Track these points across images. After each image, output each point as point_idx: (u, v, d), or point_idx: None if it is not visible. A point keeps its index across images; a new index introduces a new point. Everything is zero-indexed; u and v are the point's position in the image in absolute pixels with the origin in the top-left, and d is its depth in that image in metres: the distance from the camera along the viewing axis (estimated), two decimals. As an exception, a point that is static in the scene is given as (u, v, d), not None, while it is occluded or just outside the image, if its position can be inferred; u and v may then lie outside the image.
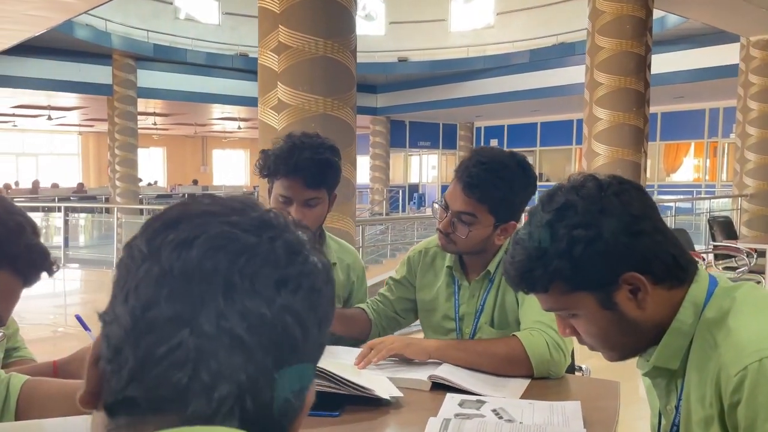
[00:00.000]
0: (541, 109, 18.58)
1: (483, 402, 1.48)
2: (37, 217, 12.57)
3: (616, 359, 1.12)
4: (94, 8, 8.14)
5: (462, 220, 1.74)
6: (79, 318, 1.68)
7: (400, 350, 1.69)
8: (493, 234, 1.76)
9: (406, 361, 1.71)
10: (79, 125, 22.94)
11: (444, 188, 16.99)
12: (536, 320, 1.68)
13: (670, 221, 10.60)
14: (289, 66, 4.46)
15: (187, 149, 27.59)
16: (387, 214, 19.71)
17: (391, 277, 2.06)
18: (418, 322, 2.07)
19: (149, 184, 22.80)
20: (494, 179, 1.69)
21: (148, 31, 15.06)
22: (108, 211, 12.06)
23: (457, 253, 1.86)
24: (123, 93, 14.62)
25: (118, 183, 14.68)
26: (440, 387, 1.56)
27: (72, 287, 9.59)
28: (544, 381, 1.64)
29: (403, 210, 22.06)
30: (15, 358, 1.79)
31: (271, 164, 1.87)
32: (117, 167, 14.68)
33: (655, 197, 16.56)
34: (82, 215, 12.77)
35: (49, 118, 19.17)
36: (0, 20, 7.62)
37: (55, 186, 20.04)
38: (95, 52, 14.27)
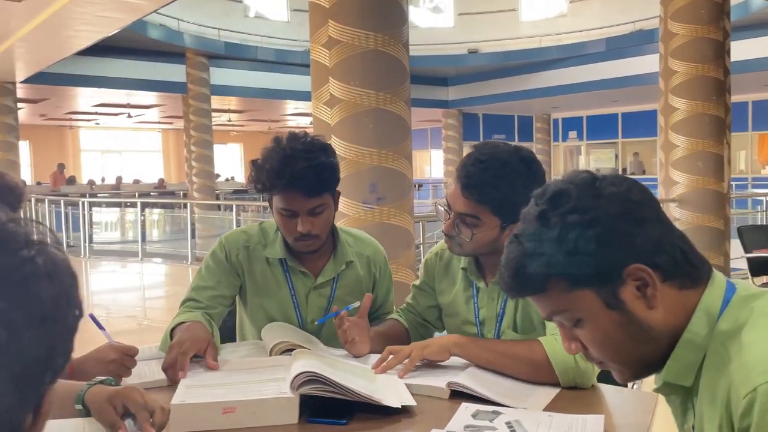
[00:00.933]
0: (621, 100, 17.96)
1: (499, 413, 1.38)
2: (116, 213, 13.08)
3: (629, 377, 0.99)
4: (160, 8, 8.36)
5: (465, 222, 1.64)
6: (92, 317, 1.68)
7: (420, 357, 1.60)
8: (501, 235, 1.63)
9: (427, 364, 1.62)
10: (159, 122, 23.78)
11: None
12: None
13: (760, 217, 9.96)
14: (340, 61, 4.41)
15: (263, 145, 28.07)
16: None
17: (413, 285, 1.97)
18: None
19: (227, 180, 23.37)
20: (493, 179, 1.58)
21: (219, 29, 15.40)
22: (185, 206, 12.44)
23: (466, 256, 1.76)
24: (197, 91, 15.02)
25: (194, 179, 15.10)
26: (461, 395, 1.47)
27: (151, 281, 9.94)
28: (573, 391, 1.53)
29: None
30: None
31: (265, 180, 1.79)
32: (193, 163, 15.10)
33: (749, 191, 15.71)
34: (158, 211, 13.18)
35: (129, 116, 19.94)
36: (74, 22, 7.94)
37: (136, 182, 20.83)
38: (169, 51, 14.72)
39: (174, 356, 1.57)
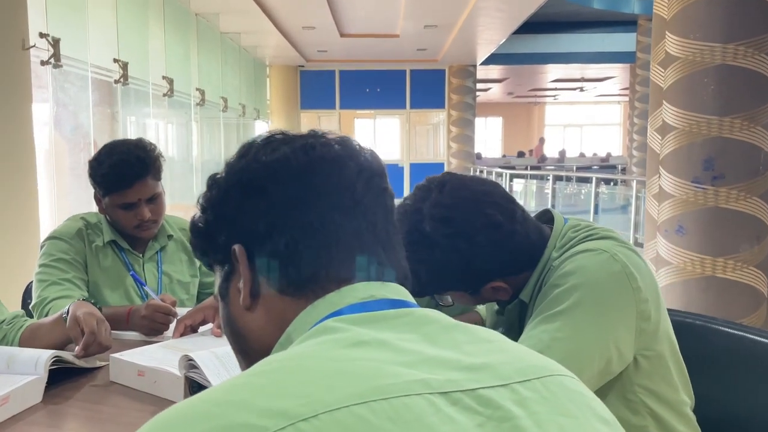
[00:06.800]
0: None
1: None
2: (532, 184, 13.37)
3: None
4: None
5: None
6: (133, 275, 1.83)
7: None
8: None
9: None
10: (619, 95, 23.28)
11: None
12: None
13: None
14: (680, 10, 3.67)
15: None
16: None
17: None
18: None
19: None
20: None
21: (671, -9, 14.21)
22: (624, 183, 11.93)
23: None
24: (645, 59, 14.18)
25: (634, 153, 14.39)
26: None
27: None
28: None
29: None
30: None
31: None
32: (635, 137, 14.43)
33: None
34: (563, 183, 12.95)
35: (581, 90, 20.00)
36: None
37: (582, 156, 20.90)
38: (618, 20, 14.22)
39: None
